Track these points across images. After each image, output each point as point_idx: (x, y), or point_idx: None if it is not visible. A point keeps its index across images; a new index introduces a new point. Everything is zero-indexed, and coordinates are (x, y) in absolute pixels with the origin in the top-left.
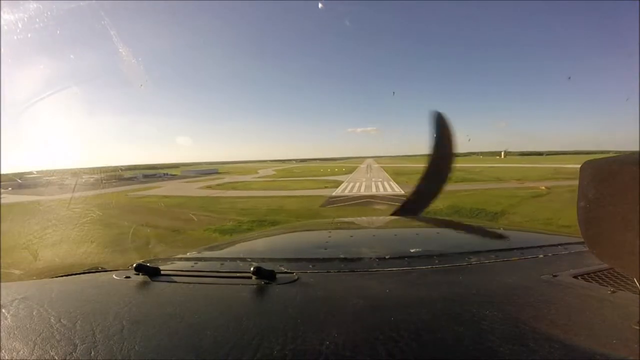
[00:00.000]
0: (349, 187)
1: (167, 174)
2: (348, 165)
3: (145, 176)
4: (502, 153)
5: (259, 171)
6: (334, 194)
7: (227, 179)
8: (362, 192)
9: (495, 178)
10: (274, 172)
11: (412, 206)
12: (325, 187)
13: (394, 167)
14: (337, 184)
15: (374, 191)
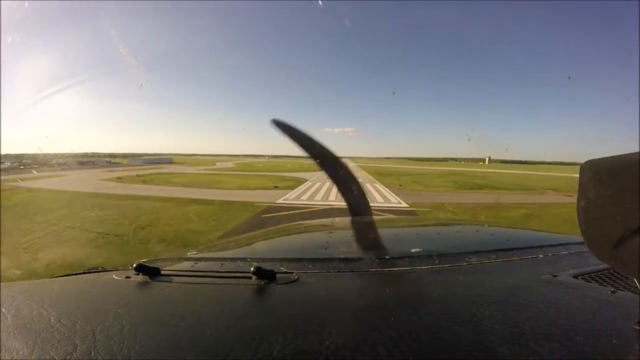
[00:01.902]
0: (313, 189)
1: (109, 162)
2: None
3: (80, 163)
4: (487, 159)
5: (217, 164)
6: (280, 200)
7: (167, 169)
8: (332, 199)
9: (516, 185)
10: (232, 165)
11: (357, 208)
12: (275, 188)
13: (374, 167)
14: (298, 182)
15: None
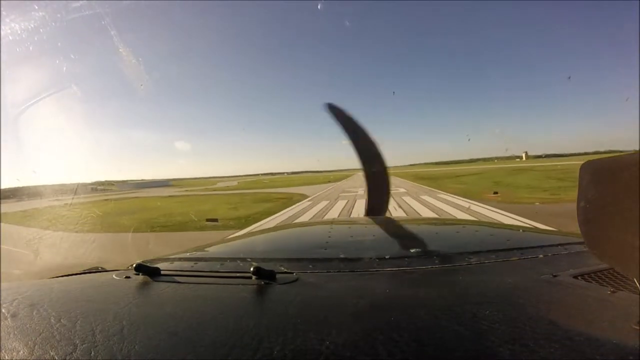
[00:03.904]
0: (304, 219)
1: (94, 188)
2: (339, 174)
3: (56, 191)
4: (524, 155)
5: (218, 183)
6: None
7: (138, 194)
8: None
9: None
10: (236, 184)
11: (376, 207)
12: (210, 224)
13: (406, 172)
14: (285, 203)
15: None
